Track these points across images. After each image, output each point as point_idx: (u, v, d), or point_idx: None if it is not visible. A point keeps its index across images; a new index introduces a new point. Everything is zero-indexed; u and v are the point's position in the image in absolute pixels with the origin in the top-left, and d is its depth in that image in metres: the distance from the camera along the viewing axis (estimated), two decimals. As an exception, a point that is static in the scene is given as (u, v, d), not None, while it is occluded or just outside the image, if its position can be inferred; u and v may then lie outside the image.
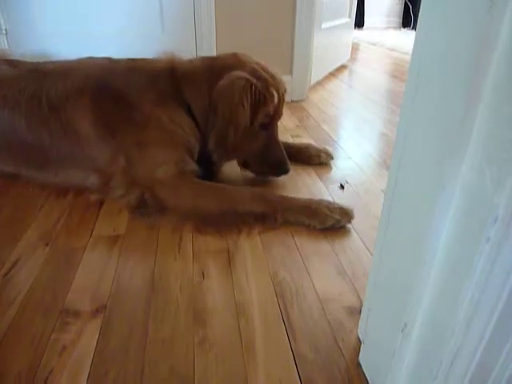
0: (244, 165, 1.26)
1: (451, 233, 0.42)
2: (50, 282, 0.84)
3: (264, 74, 1.15)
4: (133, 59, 1.23)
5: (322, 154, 1.39)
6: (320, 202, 1.05)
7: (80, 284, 0.83)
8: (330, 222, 1.01)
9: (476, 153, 0.38)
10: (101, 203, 1.13)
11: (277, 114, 1.19)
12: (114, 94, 1.14)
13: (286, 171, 1.21)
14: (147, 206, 1.06)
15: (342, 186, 1.23)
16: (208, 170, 1.20)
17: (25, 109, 1.15)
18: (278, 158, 1.20)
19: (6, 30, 1.80)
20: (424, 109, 0.45)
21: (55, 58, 1.32)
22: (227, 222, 1.02)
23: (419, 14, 0.46)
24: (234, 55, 1.20)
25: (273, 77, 1.17)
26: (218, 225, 1.02)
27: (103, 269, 0.88)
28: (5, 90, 1.18)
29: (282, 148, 1.22)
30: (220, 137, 1.13)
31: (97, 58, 1.27)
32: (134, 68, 1.20)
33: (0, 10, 1.77)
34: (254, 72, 1.13)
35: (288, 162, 1.20)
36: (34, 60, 1.37)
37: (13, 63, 1.30)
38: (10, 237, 0.98)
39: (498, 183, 0.36)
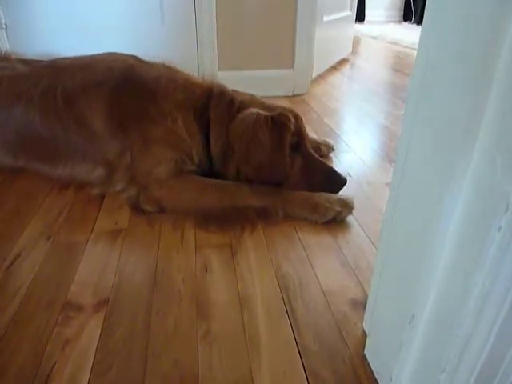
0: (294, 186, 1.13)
1: (461, 222, 0.41)
2: (53, 276, 0.83)
3: (271, 104, 1.15)
4: (168, 66, 1.22)
5: (323, 147, 1.38)
6: (320, 195, 1.04)
7: (82, 278, 0.83)
8: (331, 215, 1.01)
9: (487, 140, 0.37)
10: (103, 197, 1.12)
11: (301, 132, 1.12)
12: (138, 88, 1.12)
13: (342, 182, 1.10)
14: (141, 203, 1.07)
15: None
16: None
17: (39, 103, 1.14)
18: (326, 173, 1.12)
19: (5, 24, 1.78)
20: (432, 97, 0.44)
21: (56, 55, 1.30)
22: (228, 217, 1.01)
23: (426, 6, 0.45)
24: (252, 96, 1.19)
25: (282, 108, 1.14)
26: (220, 221, 1.01)
27: (105, 262, 0.87)
28: (19, 86, 1.17)
29: (326, 163, 1.15)
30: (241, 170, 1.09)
31: (122, 54, 1.25)
32: (171, 72, 1.19)
33: (0, 5, 1.75)
34: (263, 105, 1.13)
35: (340, 173, 1.11)
36: (34, 57, 1.36)
37: (27, 62, 1.30)
38: (12, 230, 0.98)
39: (510, 171, 0.35)
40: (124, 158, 1.10)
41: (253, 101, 1.15)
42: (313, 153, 1.15)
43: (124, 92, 1.12)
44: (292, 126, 1.08)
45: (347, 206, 1.02)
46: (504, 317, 0.39)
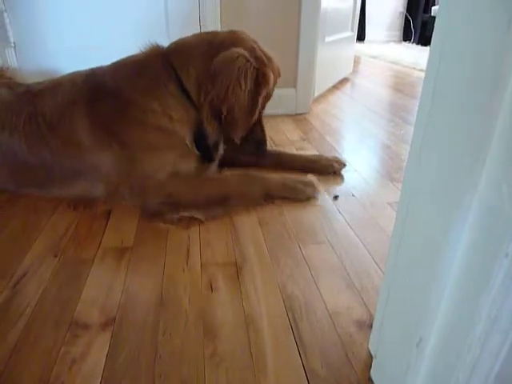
0: (226, 141, 1.28)
1: (468, 248, 0.42)
2: (59, 294, 0.84)
3: (261, 54, 1.15)
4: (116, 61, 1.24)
5: (335, 164, 1.40)
6: (294, 179, 1.25)
7: (89, 296, 0.83)
8: (303, 196, 1.22)
9: (494, 169, 0.39)
10: (108, 214, 1.13)
11: (268, 96, 1.20)
12: (105, 93, 1.15)
13: (263, 152, 1.31)
14: (158, 209, 1.11)
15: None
16: (206, 152, 1.22)
17: (23, 131, 1.15)
18: (259, 139, 1.27)
19: (14, 42, 1.82)
20: (440, 123, 0.46)
21: (64, 73, 1.32)
22: (228, 205, 1.14)
23: (433, 32, 0.46)
24: (233, 32, 1.20)
25: (269, 59, 1.17)
26: (221, 210, 1.13)
27: (112, 281, 0.87)
28: (2, 115, 1.18)
29: (265, 130, 1.28)
30: (214, 111, 1.13)
31: (79, 70, 1.27)
32: (118, 65, 1.21)
33: (9, 23, 1.79)
34: (252, 51, 1.13)
35: (267, 144, 1.31)
36: (43, 75, 1.38)
37: (11, 86, 1.30)
38: (18, 248, 0.98)
39: (516, 199, 0.36)
40: (120, 170, 1.13)
41: (238, 39, 1.16)
42: (262, 117, 1.25)
43: (98, 101, 1.14)
44: (270, 87, 1.16)
45: (314, 188, 1.24)
46: (511, 342, 0.40)
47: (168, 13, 1.89)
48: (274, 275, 0.90)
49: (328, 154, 1.54)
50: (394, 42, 5.78)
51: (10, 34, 1.80)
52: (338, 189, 1.31)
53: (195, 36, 1.21)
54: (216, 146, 1.26)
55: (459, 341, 0.44)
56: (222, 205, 1.14)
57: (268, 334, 0.74)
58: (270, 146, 1.66)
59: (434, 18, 0.47)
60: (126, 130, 1.13)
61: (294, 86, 2.11)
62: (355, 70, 3.42)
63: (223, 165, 1.35)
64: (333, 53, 2.53)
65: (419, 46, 5.21)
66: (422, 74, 0.49)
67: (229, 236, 1.04)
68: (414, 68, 3.59)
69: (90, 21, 1.85)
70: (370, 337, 0.69)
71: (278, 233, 1.06)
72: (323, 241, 1.02)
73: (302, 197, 1.21)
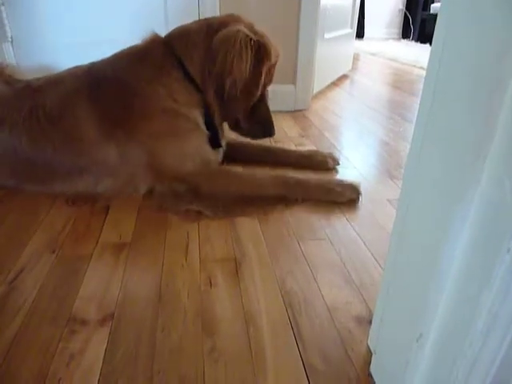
0: (234, 126, 1.29)
1: (469, 243, 0.42)
2: (57, 290, 0.83)
3: (260, 30, 1.18)
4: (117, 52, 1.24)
5: (329, 160, 1.40)
6: (330, 181, 1.20)
7: (87, 292, 0.83)
8: (343, 199, 1.16)
9: (496, 164, 0.38)
10: (107, 209, 1.13)
11: (269, 76, 1.21)
12: (108, 83, 1.14)
13: (271, 134, 1.29)
14: (178, 196, 1.11)
15: None
16: (214, 134, 1.23)
17: (24, 126, 1.14)
18: (266, 120, 1.27)
19: (11, 37, 1.80)
20: (441, 119, 0.45)
21: (61, 68, 1.31)
22: (253, 204, 1.12)
23: (435, 29, 0.46)
24: (230, 15, 1.21)
25: (267, 38, 1.19)
26: (246, 207, 1.11)
27: (110, 276, 0.87)
28: (3, 110, 1.17)
29: (270, 112, 1.28)
30: (217, 89, 1.13)
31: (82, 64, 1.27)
32: (119, 55, 1.21)
33: (6, 18, 1.78)
34: (251, 27, 1.16)
35: (274, 126, 1.28)
36: (40, 71, 1.37)
37: (10, 82, 1.29)
38: (15, 244, 0.98)
39: (519, 194, 0.36)
40: (131, 160, 1.12)
41: (236, 20, 1.17)
42: (267, 99, 1.25)
43: (102, 92, 1.13)
44: (272, 60, 1.16)
45: (356, 191, 1.18)
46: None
47: (167, 8, 1.88)
48: (273, 271, 0.89)
49: (326, 151, 1.54)
50: (393, 39, 5.77)
51: (8, 28, 1.79)
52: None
53: (194, 22, 1.22)
54: (221, 129, 1.27)
55: (460, 336, 0.44)
56: (250, 205, 1.12)
57: (267, 329, 0.74)
58: (269, 141, 1.66)
59: (434, 15, 0.46)
60: (136, 120, 1.12)
61: (293, 82, 2.11)
62: (354, 67, 3.42)
63: (224, 159, 1.34)
64: (332, 50, 2.52)
65: (418, 44, 5.20)
66: (421, 72, 0.49)
67: (228, 232, 1.04)
68: (413, 65, 3.59)
69: (88, 16, 1.84)
70: (370, 333, 0.69)
71: (278, 229, 1.06)
72: (322, 237, 1.02)
73: (342, 199, 1.16)
